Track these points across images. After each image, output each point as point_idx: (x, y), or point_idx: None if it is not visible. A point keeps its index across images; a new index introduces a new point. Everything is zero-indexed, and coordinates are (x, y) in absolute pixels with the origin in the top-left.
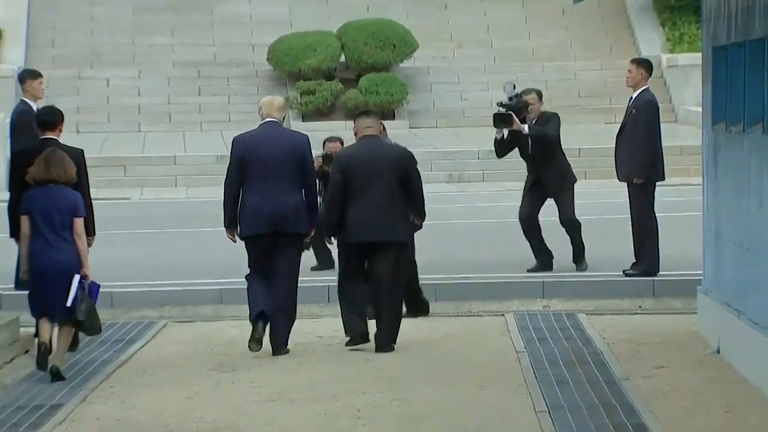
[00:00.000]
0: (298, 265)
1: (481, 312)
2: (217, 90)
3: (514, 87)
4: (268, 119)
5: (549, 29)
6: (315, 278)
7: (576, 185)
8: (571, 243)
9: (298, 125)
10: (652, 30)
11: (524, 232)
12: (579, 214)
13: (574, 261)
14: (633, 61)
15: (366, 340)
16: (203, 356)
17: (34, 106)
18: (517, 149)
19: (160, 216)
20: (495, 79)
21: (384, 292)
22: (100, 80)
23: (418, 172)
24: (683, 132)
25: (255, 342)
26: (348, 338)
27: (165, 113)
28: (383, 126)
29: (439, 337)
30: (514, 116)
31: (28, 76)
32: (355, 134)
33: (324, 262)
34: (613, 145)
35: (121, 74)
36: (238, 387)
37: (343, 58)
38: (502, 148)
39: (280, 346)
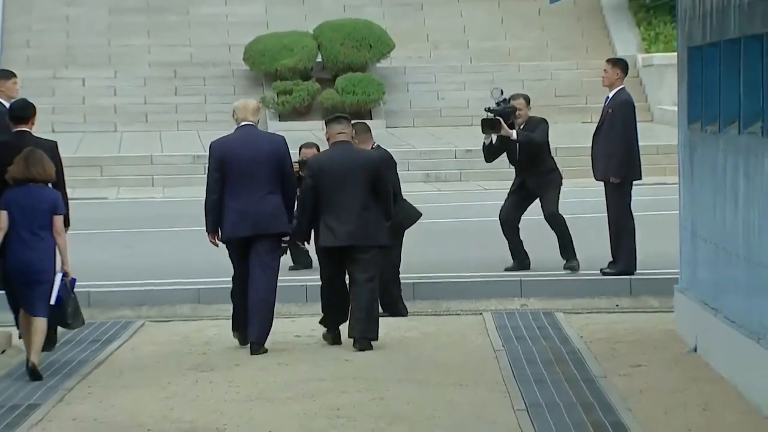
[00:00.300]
0: (278, 267)
1: (459, 311)
2: (194, 90)
3: (502, 92)
4: (243, 123)
5: (525, 29)
6: (293, 278)
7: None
8: (558, 239)
9: (274, 125)
10: (628, 30)
11: (503, 231)
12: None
13: (562, 256)
14: (609, 60)
15: (335, 339)
16: (181, 356)
17: (8, 106)
18: (505, 154)
19: (136, 216)
20: (471, 79)
21: (363, 295)
22: (76, 80)
23: (391, 177)
24: (659, 131)
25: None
26: (327, 334)
27: (141, 113)
28: (368, 127)
29: (417, 336)
30: (502, 121)
31: (1, 76)
32: (328, 140)
33: (301, 261)
34: (590, 145)
35: (97, 75)
36: (216, 387)
37: (319, 58)
38: (490, 153)
39: (258, 347)
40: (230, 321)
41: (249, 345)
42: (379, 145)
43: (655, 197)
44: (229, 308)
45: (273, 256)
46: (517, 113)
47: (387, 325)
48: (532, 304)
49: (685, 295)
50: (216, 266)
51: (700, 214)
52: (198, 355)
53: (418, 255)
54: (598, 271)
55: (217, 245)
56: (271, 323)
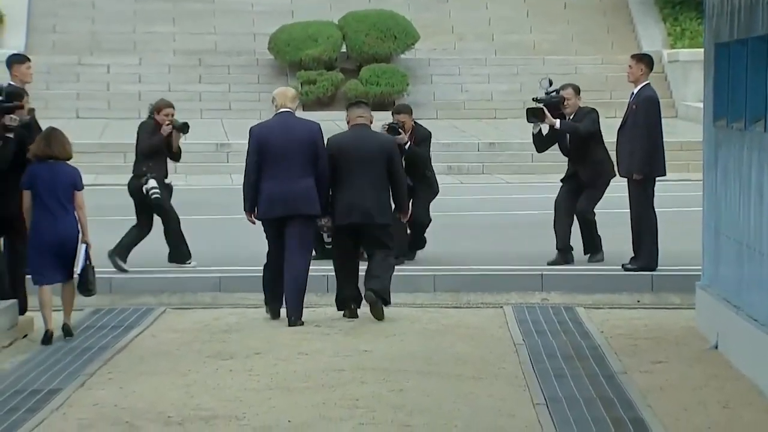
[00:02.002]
0: (311, 244)
1: (480, 304)
2: (218, 78)
3: (551, 83)
4: (282, 109)
5: (550, 23)
6: (313, 268)
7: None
8: (582, 237)
9: (298, 114)
10: (654, 25)
11: (555, 219)
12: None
13: (585, 252)
14: (634, 56)
15: (355, 310)
16: (201, 344)
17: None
18: (557, 145)
19: None
20: (495, 72)
21: (378, 263)
22: (101, 67)
23: (423, 150)
24: (683, 128)
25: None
26: (341, 309)
27: None
28: (411, 108)
29: (437, 328)
30: (546, 110)
31: (15, 60)
32: (348, 122)
33: (320, 251)
34: (614, 140)
35: (121, 61)
36: (236, 375)
37: (344, 49)
38: (540, 142)
39: (295, 319)
40: (251, 309)
41: (287, 318)
42: (418, 123)
43: (678, 194)
44: (249, 296)
45: (306, 236)
46: (565, 103)
47: (407, 317)
48: (553, 298)
49: (706, 292)
50: (237, 255)
51: (724, 211)
52: (218, 342)
53: (439, 247)
54: (620, 267)
55: (254, 223)
56: (304, 297)
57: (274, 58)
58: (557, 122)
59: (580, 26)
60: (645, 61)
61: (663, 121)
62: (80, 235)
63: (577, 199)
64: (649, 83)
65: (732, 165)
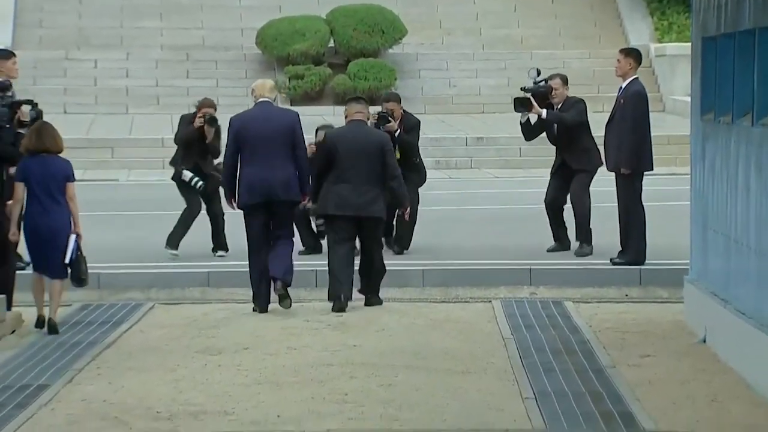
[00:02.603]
0: (293, 233)
1: (468, 298)
2: (206, 73)
3: (539, 72)
4: (261, 99)
5: (538, 18)
6: (302, 262)
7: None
8: (576, 224)
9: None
10: (641, 19)
11: (548, 213)
12: (567, 203)
13: (576, 238)
14: (622, 51)
15: (345, 304)
16: (190, 339)
17: None
18: (545, 133)
19: (147, 198)
20: (483, 67)
21: (369, 261)
22: (88, 62)
23: (413, 137)
24: (671, 121)
25: (258, 305)
26: (331, 303)
27: (153, 96)
28: (399, 97)
29: (425, 323)
30: (533, 100)
31: (1, 56)
32: (345, 117)
33: (311, 245)
34: (602, 135)
35: (108, 56)
36: (224, 370)
37: (332, 43)
38: (528, 131)
39: (282, 284)
40: (239, 304)
41: (275, 290)
42: (407, 111)
43: (666, 188)
44: (238, 291)
45: (288, 223)
46: (553, 93)
47: (396, 311)
48: (541, 292)
49: (694, 286)
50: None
51: (712, 205)
52: (207, 338)
53: (428, 241)
54: (608, 261)
55: (234, 209)
56: (292, 270)
57: (261, 53)
58: (543, 112)
59: (568, 21)
60: (633, 55)
61: (651, 115)
62: (72, 226)
63: (565, 192)
64: (637, 77)
65: (719, 159)
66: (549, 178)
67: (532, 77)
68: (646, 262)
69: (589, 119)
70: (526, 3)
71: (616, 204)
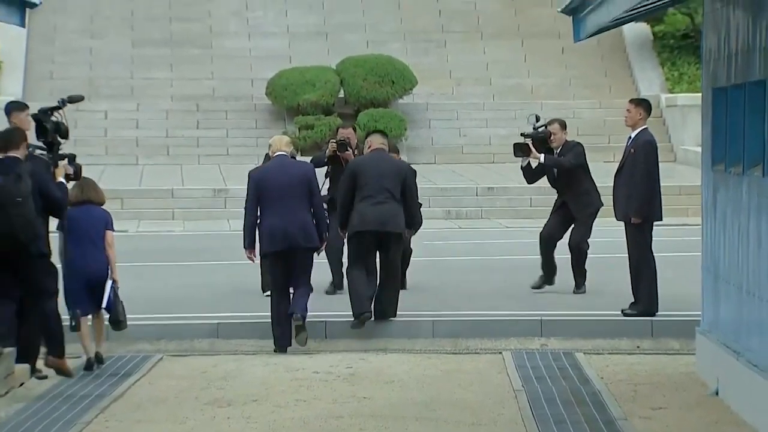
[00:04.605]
0: (310, 275)
1: (479, 349)
2: (216, 123)
3: (538, 118)
4: (278, 153)
5: (548, 67)
6: (312, 314)
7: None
8: (572, 268)
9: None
10: (652, 69)
11: (540, 248)
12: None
13: (576, 285)
14: (632, 101)
15: (366, 318)
16: (199, 391)
17: None
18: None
19: (156, 249)
20: (493, 116)
21: (389, 275)
22: (99, 113)
23: (416, 186)
24: (682, 172)
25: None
26: (355, 317)
27: (163, 146)
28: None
29: (436, 374)
30: (531, 145)
31: (14, 108)
32: (369, 147)
33: (334, 282)
34: (611, 184)
35: (119, 107)
36: (233, 422)
37: (342, 94)
38: (529, 174)
39: (300, 318)
40: (248, 356)
41: (294, 319)
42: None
43: (677, 238)
44: (247, 342)
45: (308, 265)
46: (552, 138)
47: (407, 362)
48: (552, 343)
49: (706, 337)
50: (235, 301)
51: (723, 255)
52: (216, 389)
53: (438, 292)
54: (620, 312)
55: (253, 261)
56: (307, 310)
57: (271, 103)
58: (542, 157)
59: (578, 70)
60: (643, 105)
61: (661, 165)
62: (109, 272)
63: (563, 232)
64: (647, 128)
65: (731, 209)
66: (549, 214)
67: (531, 123)
68: (658, 312)
69: (587, 161)
70: (536, 53)
71: (626, 254)
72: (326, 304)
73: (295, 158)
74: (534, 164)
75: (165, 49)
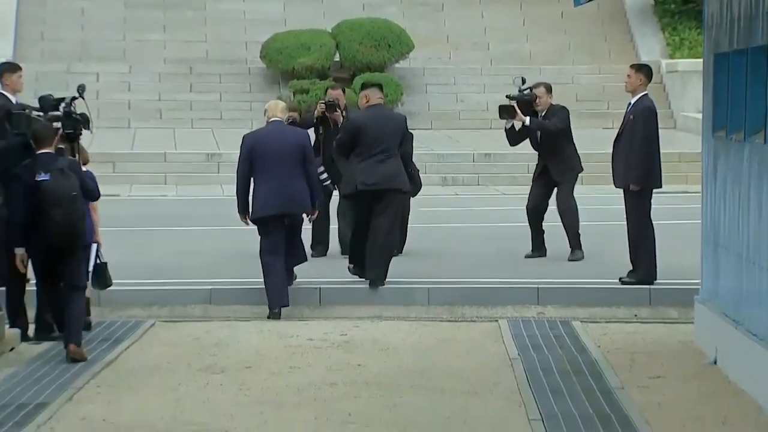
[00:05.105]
0: (301, 242)
1: (474, 317)
2: (209, 87)
3: (524, 81)
4: (273, 119)
5: (547, 33)
6: (305, 280)
7: (575, 186)
8: (565, 230)
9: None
10: (652, 35)
11: (528, 219)
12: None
13: (569, 245)
14: (632, 66)
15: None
16: (191, 357)
17: (14, 99)
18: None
19: (149, 214)
20: (491, 82)
21: (382, 237)
22: (90, 75)
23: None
24: (682, 139)
25: (274, 317)
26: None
27: (155, 110)
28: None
29: (431, 343)
30: (517, 108)
31: (6, 69)
32: (366, 101)
33: (322, 241)
34: (610, 151)
35: (111, 70)
36: (226, 389)
37: (337, 58)
38: (512, 137)
39: (290, 279)
40: (242, 322)
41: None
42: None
43: (677, 206)
44: (241, 309)
45: (299, 229)
46: (537, 101)
47: (401, 329)
48: (548, 312)
49: (705, 306)
50: (228, 267)
51: (723, 223)
52: (209, 356)
53: (434, 259)
54: (617, 280)
55: (247, 224)
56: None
57: (266, 67)
58: (527, 119)
59: (577, 36)
60: (644, 71)
61: (661, 132)
62: (93, 235)
63: (547, 199)
64: (647, 93)
65: (731, 177)
66: (531, 183)
67: (517, 85)
68: (656, 281)
69: (571, 126)
70: (535, 18)
71: (625, 222)
72: (320, 270)
73: (296, 122)
74: (518, 126)
75: (158, 11)
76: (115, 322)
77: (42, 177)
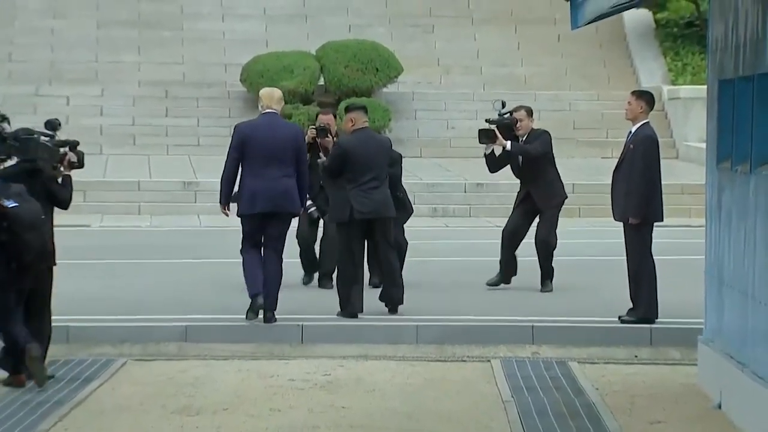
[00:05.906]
0: (285, 239)
1: (466, 357)
2: (186, 112)
3: (503, 104)
4: (267, 110)
5: (543, 56)
6: (286, 317)
7: (570, 221)
8: (540, 265)
9: None
10: (653, 59)
11: (502, 244)
12: (571, 254)
13: (542, 282)
14: (633, 92)
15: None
16: (165, 398)
17: None
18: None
19: (121, 245)
20: (483, 108)
21: (388, 260)
22: (60, 98)
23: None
24: (684, 169)
25: (253, 312)
26: (344, 311)
27: (129, 135)
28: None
29: (420, 383)
30: (497, 132)
31: None
32: (351, 125)
33: (314, 269)
34: (610, 182)
35: (82, 92)
36: None
37: (321, 81)
38: (492, 163)
39: (270, 312)
40: (219, 361)
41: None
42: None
43: (679, 240)
44: (218, 347)
45: (283, 230)
46: (518, 125)
47: (388, 369)
48: (544, 351)
49: (709, 347)
50: (205, 302)
51: (728, 259)
52: (184, 397)
53: (423, 295)
54: (616, 319)
55: (227, 215)
56: (280, 286)
57: (246, 91)
58: (508, 144)
59: (575, 59)
60: (645, 98)
61: (662, 162)
62: None
63: (527, 227)
64: (648, 122)
65: (737, 210)
66: (512, 208)
67: (497, 109)
68: (657, 320)
69: (553, 150)
70: (530, 40)
71: (625, 257)
72: (302, 305)
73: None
74: (498, 152)
75: (133, 31)
76: (85, 360)
77: (9, 203)
